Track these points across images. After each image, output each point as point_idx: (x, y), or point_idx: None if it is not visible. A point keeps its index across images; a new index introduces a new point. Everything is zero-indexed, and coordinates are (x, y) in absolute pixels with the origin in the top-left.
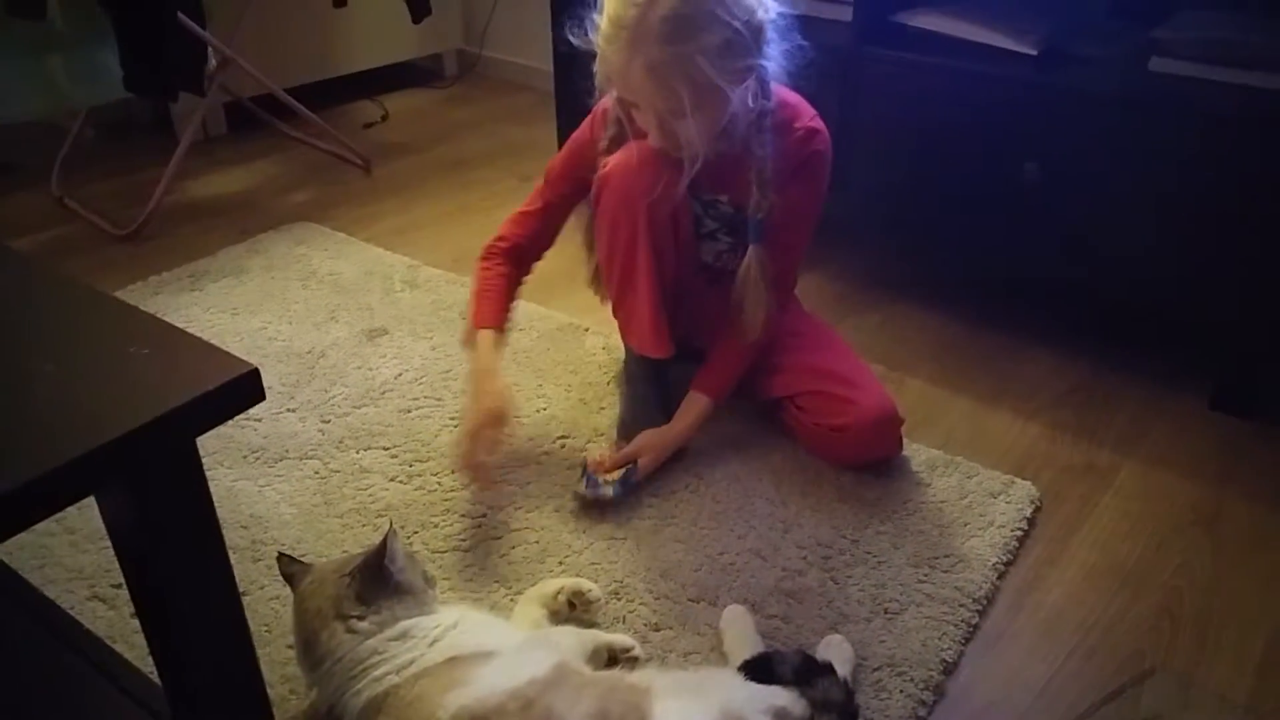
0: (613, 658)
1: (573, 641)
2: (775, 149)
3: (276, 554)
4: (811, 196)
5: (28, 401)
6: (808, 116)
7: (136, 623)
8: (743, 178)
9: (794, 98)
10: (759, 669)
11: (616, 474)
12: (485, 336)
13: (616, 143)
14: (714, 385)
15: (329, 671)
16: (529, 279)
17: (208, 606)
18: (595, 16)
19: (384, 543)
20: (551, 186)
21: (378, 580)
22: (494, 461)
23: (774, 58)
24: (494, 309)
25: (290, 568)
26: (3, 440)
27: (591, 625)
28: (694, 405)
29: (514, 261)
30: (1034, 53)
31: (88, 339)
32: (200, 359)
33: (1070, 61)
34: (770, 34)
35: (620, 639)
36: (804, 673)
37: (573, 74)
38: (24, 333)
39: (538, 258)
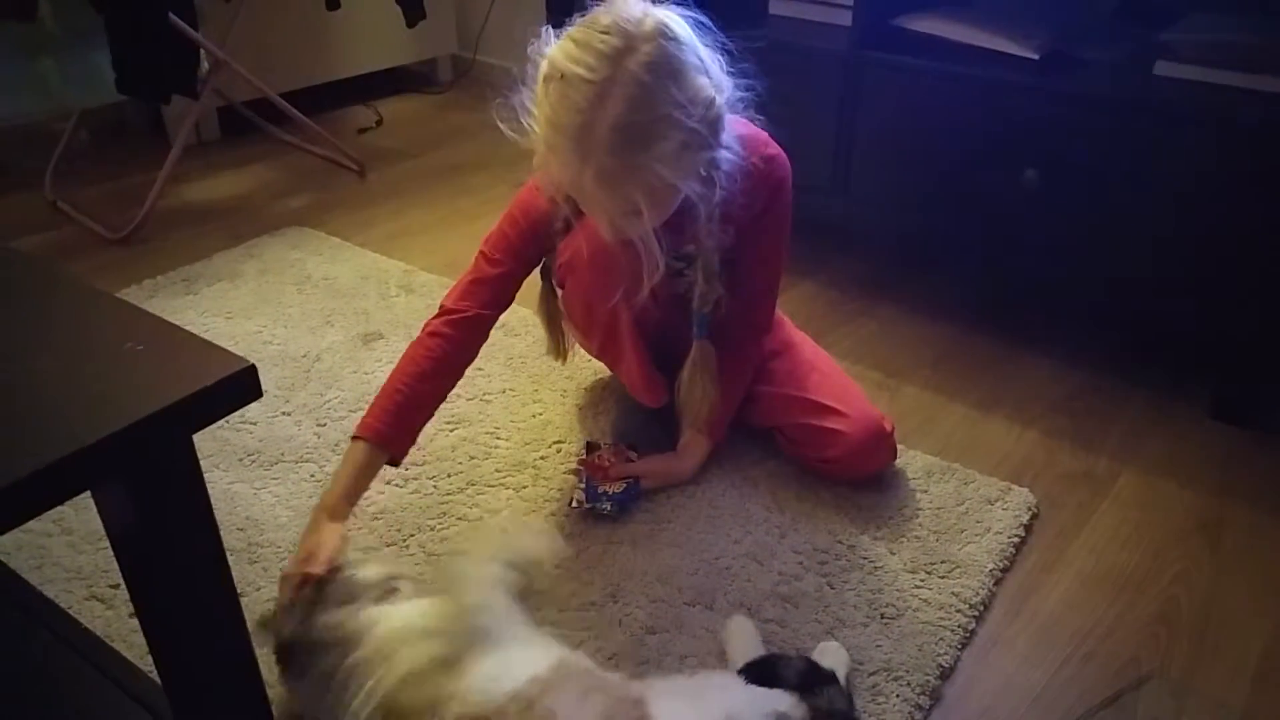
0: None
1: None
2: (737, 191)
3: (260, 618)
4: (779, 225)
5: (24, 397)
6: (761, 144)
7: (134, 622)
8: (692, 223)
9: (745, 129)
10: (763, 672)
11: (618, 486)
12: (357, 450)
13: (571, 219)
14: (711, 428)
15: (310, 678)
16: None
17: (206, 602)
18: (528, 104)
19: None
20: (508, 252)
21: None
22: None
23: (729, 150)
24: (395, 419)
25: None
26: (1, 434)
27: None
28: (696, 447)
29: (471, 330)
30: (1036, 57)
31: (84, 335)
32: (197, 356)
33: (1073, 65)
34: (724, 113)
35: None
36: (808, 679)
37: None
38: (21, 328)
39: (494, 321)
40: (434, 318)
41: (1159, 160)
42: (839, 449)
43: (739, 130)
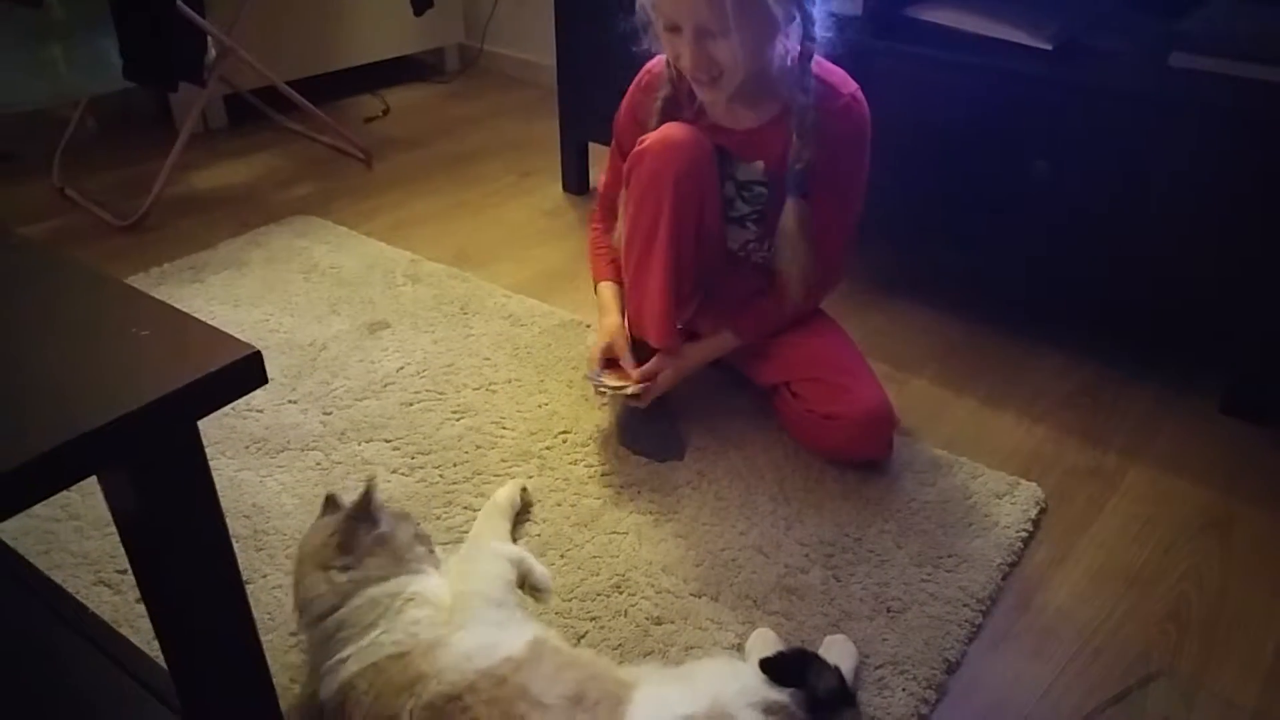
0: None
1: (504, 583)
2: (818, 106)
3: (326, 495)
4: (853, 169)
5: (31, 381)
6: (850, 89)
7: (141, 608)
8: (780, 141)
9: (836, 69)
10: (791, 669)
11: (629, 387)
12: (604, 288)
13: (669, 102)
14: (745, 326)
15: (312, 630)
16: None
17: (212, 586)
18: None
19: (366, 494)
20: (614, 163)
21: (359, 530)
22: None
23: (820, 7)
24: (605, 264)
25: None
26: (6, 419)
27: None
28: (717, 337)
29: (613, 217)
30: (1049, 47)
31: (91, 321)
32: (203, 341)
33: (1086, 56)
34: None
35: (536, 568)
36: (835, 697)
37: (575, 71)
38: (28, 313)
39: None
40: (594, 225)
41: (1172, 153)
42: (842, 405)
43: (830, 67)
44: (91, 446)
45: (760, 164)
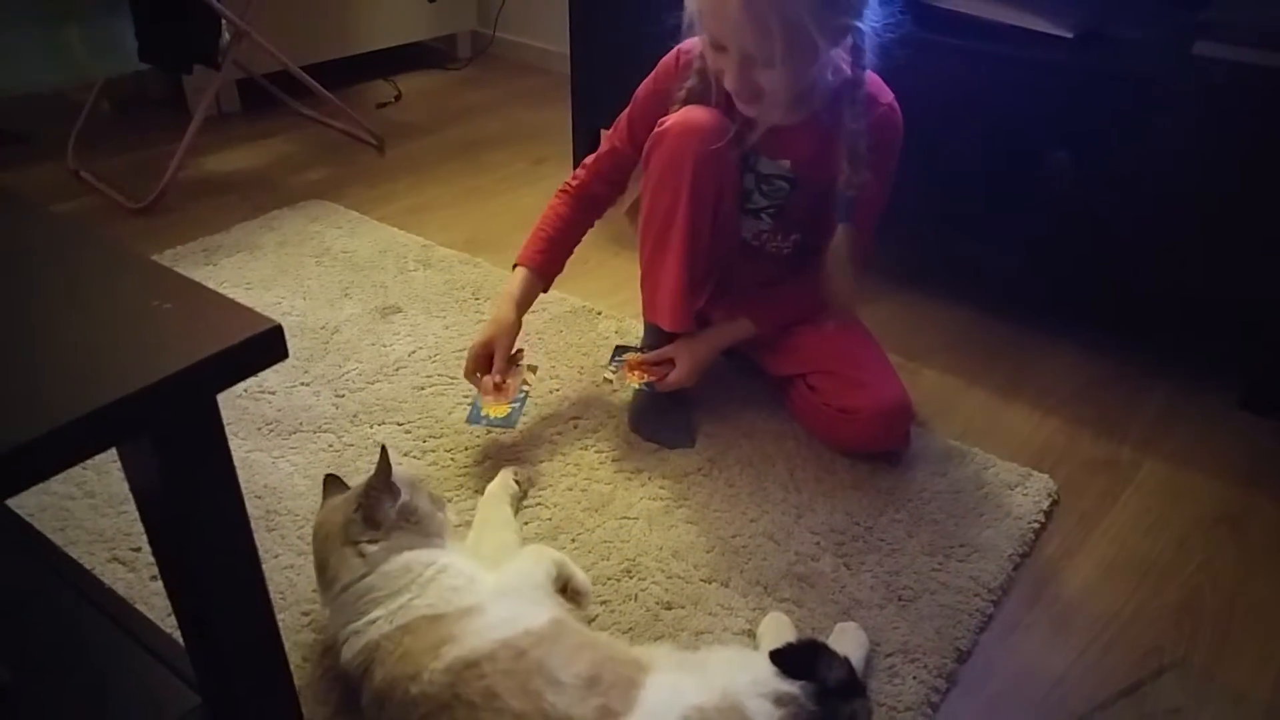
0: (565, 586)
1: (545, 573)
2: (861, 112)
3: (325, 476)
4: (884, 174)
5: (53, 353)
6: (888, 98)
7: (155, 585)
8: (809, 142)
9: (873, 77)
10: (802, 660)
11: (640, 379)
12: (519, 272)
13: (694, 94)
14: (764, 315)
15: (338, 599)
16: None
17: (229, 558)
18: None
19: (382, 462)
20: (625, 131)
21: (383, 502)
22: (496, 381)
23: (873, 25)
24: (537, 248)
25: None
26: (28, 390)
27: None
28: (734, 323)
29: (579, 204)
30: (1070, 35)
31: (113, 294)
32: (224, 315)
33: (1108, 44)
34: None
35: (578, 574)
36: (844, 688)
37: (589, 58)
38: (51, 286)
39: (609, 202)
40: (566, 185)
41: (1195, 143)
42: (861, 400)
43: (870, 75)
44: (113, 418)
45: (787, 162)
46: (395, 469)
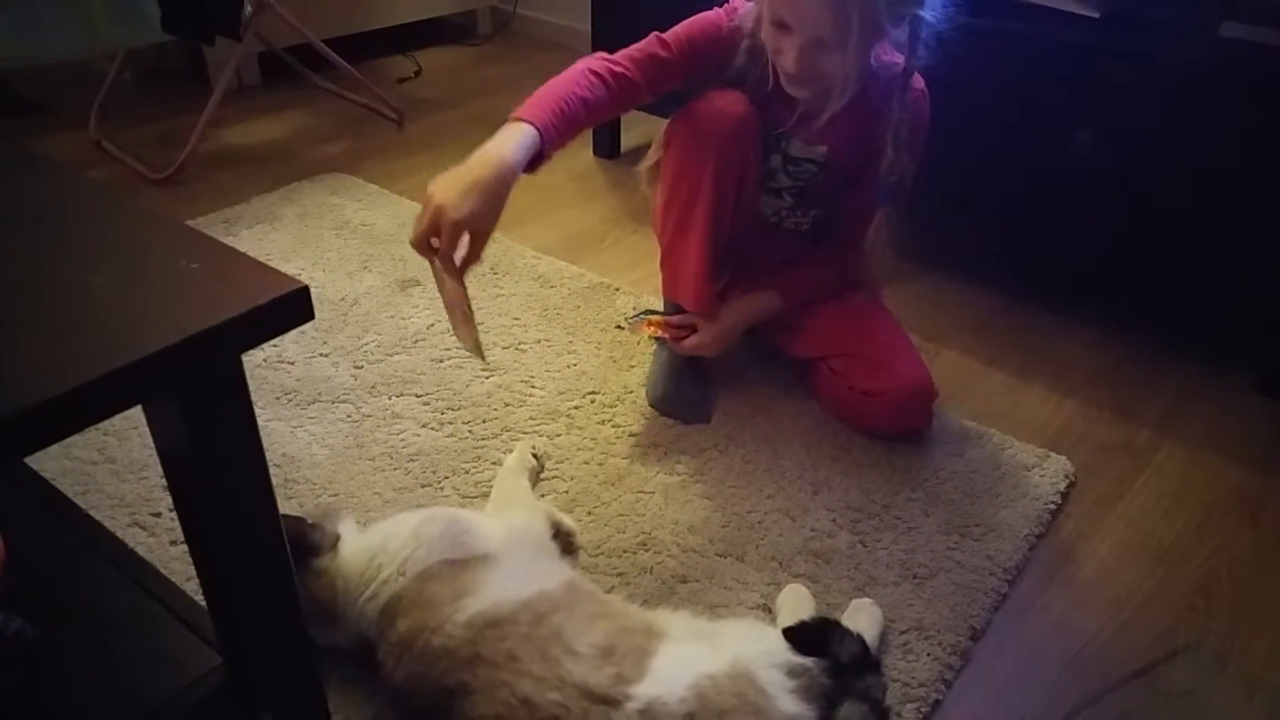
0: (558, 532)
1: (541, 525)
2: (906, 97)
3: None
4: (910, 155)
5: (82, 311)
6: (920, 85)
7: (175, 550)
8: (845, 128)
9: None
10: (816, 636)
11: (655, 331)
12: (514, 128)
13: (734, 76)
14: (791, 288)
15: (346, 608)
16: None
17: (250, 518)
18: None
19: (289, 528)
20: (684, 52)
21: (311, 534)
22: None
23: (934, 14)
24: (555, 102)
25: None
26: (57, 346)
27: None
28: (760, 295)
29: (615, 90)
30: (1097, 15)
31: (142, 253)
32: (251, 276)
33: (1135, 25)
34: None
35: (565, 518)
36: (857, 664)
37: (609, 35)
38: (81, 246)
39: (637, 104)
40: (594, 61)
41: (1220, 126)
42: (884, 383)
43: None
44: (140, 374)
45: (824, 148)
46: (302, 514)
